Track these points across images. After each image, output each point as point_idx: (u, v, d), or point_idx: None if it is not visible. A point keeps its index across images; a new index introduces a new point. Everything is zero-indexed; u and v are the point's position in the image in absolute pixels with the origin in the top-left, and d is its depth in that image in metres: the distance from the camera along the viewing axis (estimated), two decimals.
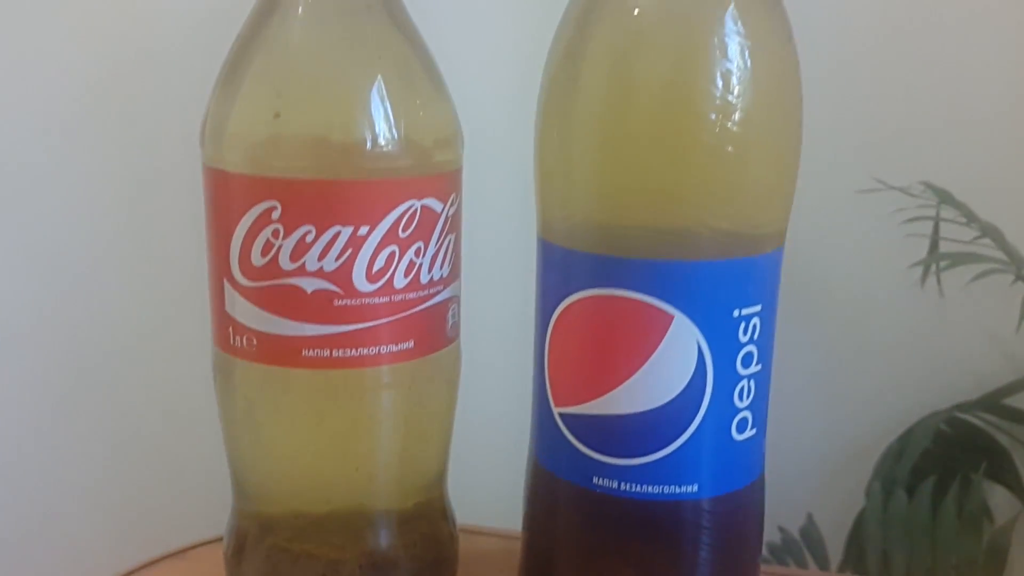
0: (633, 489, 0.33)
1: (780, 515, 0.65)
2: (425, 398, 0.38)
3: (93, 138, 0.53)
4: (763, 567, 0.39)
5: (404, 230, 0.35)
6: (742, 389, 0.33)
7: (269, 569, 0.38)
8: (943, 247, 0.65)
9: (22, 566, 0.58)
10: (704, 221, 0.32)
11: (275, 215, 0.34)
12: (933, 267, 0.65)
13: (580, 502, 0.35)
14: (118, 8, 0.52)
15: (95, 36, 0.52)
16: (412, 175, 0.35)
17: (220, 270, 0.36)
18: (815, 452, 0.71)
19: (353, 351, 0.35)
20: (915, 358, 0.69)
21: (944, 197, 0.63)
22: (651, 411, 0.33)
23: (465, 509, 0.43)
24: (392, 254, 0.35)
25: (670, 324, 0.32)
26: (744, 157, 0.31)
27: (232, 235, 0.34)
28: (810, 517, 0.68)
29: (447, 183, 0.36)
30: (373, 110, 0.34)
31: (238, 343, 0.36)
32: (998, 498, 0.67)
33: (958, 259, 0.63)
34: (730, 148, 0.31)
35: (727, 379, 0.33)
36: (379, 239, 0.34)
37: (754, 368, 0.34)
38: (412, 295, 0.36)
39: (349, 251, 0.34)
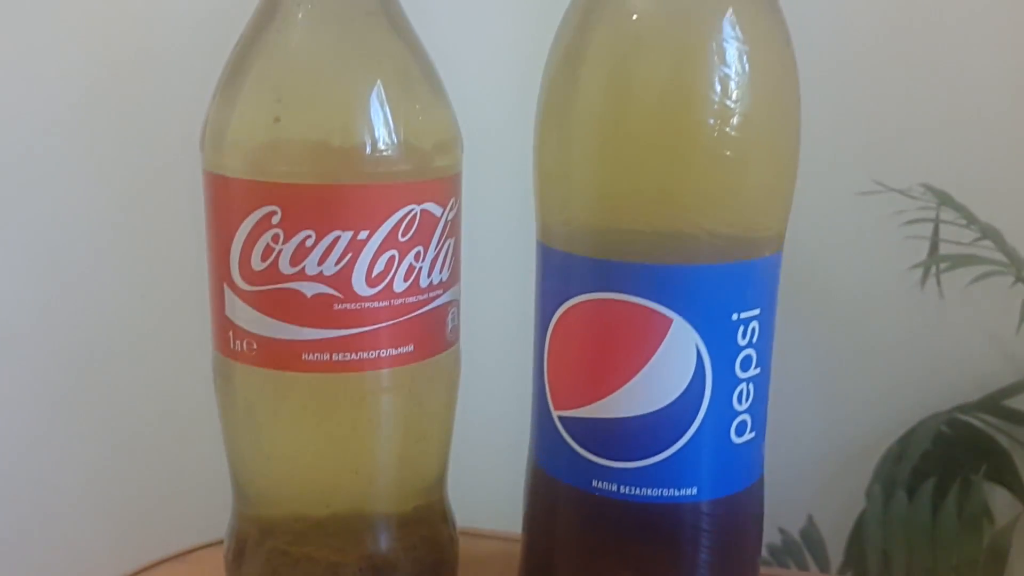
0: (632, 492, 0.34)
1: (780, 516, 0.65)
2: (425, 401, 0.38)
3: (93, 139, 0.54)
4: (764, 569, 0.39)
5: (404, 234, 0.35)
6: (741, 392, 0.33)
7: (269, 572, 0.38)
8: (943, 249, 0.64)
9: (22, 568, 0.58)
10: (703, 225, 0.32)
11: (275, 220, 0.34)
12: (933, 269, 0.65)
13: (580, 505, 0.35)
14: (118, 9, 0.52)
15: (95, 38, 0.52)
16: (412, 180, 0.35)
17: (220, 274, 0.36)
18: (815, 453, 0.71)
19: (353, 355, 0.35)
20: (915, 360, 0.69)
21: (944, 199, 0.63)
22: (650, 414, 0.33)
23: (465, 512, 0.43)
24: (392, 258, 0.35)
25: (669, 328, 0.32)
26: (743, 161, 0.32)
27: (232, 240, 0.35)
28: (810, 518, 0.68)
29: (447, 187, 0.36)
30: (373, 115, 0.34)
31: (238, 347, 0.36)
32: (998, 499, 0.66)
33: (958, 261, 0.63)
34: (728, 152, 0.31)
35: (726, 382, 0.33)
36: (379, 243, 0.34)
37: (753, 371, 0.34)
38: (412, 299, 0.36)
39: (349, 255, 0.34)
